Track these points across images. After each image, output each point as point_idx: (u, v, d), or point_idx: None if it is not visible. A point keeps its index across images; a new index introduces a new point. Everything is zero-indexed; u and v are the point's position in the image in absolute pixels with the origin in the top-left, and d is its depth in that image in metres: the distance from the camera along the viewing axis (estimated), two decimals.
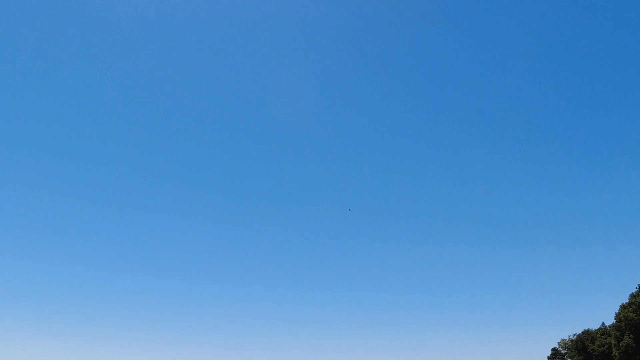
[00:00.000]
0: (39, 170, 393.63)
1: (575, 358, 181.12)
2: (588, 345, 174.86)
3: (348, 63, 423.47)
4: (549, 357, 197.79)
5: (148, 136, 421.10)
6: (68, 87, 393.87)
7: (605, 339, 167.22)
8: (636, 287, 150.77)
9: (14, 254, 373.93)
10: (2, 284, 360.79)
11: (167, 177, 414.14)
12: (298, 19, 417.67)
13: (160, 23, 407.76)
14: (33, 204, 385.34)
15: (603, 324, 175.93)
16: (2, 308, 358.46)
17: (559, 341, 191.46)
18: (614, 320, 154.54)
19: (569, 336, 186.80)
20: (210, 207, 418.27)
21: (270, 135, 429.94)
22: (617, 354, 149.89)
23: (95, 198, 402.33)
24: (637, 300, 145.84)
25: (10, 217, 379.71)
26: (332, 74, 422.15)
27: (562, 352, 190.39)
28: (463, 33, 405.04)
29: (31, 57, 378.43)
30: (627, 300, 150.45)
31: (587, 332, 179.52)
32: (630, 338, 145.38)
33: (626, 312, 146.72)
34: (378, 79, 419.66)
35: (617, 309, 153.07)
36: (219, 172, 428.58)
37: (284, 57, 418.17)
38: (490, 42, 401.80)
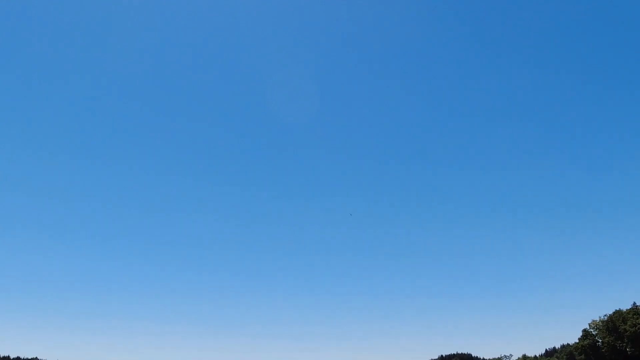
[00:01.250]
0: (53, 169, 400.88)
1: (606, 339, 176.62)
2: (619, 326, 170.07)
3: (350, 60, 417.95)
4: (580, 339, 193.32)
5: (159, 136, 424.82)
6: (76, 90, 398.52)
7: (637, 319, 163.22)
8: None
9: (36, 252, 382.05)
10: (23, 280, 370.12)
11: (177, 174, 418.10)
12: (300, 20, 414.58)
13: (165, 25, 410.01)
14: (48, 202, 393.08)
15: (634, 303, 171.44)
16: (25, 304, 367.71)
17: (590, 322, 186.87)
18: None
19: (600, 317, 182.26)
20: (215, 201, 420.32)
21: (274, 132, 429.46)
22: None
23: (112, 195, 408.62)
24: None
25: (29, 216, 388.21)
26: (335, 67, 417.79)
27: (593, 333, 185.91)
28: (464, 31, 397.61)
29: (33, 58, 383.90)
30: None
31: (618, 313, 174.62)
32: None
33: None
34: (382, 72, 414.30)
35: None
36: (224, 168, 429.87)
37: (286, 56, 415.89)
38: (496, 37, 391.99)
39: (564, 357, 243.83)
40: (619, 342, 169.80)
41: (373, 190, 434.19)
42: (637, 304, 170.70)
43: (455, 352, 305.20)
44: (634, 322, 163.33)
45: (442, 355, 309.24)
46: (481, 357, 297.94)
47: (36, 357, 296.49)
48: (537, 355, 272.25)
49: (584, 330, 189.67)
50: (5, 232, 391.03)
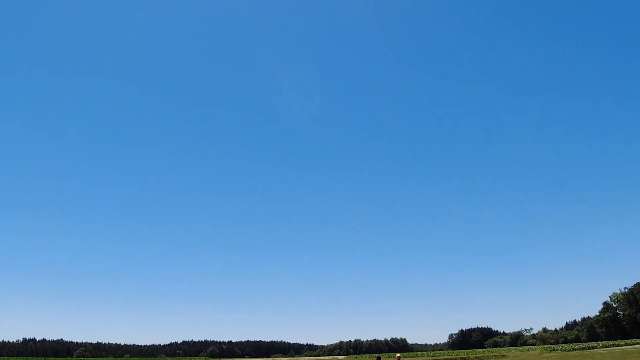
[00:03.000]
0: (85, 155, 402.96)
1: (627, 311, 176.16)
2: None
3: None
4: (600, 311, 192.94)
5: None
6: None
7: None
8: None
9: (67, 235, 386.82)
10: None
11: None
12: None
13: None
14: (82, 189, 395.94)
15: None
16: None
17: (611, 295, 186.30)
18: None
19: (621, 290, 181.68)
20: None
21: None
22: None
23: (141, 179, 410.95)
24: None
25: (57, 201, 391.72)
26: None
27: (614, 305, 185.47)
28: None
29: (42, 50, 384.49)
30: None
31: (639, 285, 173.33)
32: None
33: None
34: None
35: None
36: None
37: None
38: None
39: (585, 329, 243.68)
40: None
41: (388, 168, 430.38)
42: None
43: (475, 327, 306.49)
44: None
45: (462, 330, 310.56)
46: (501, 331, 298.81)
47: (61, 339, 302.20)
48: (558, 329, 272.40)
49: (605, 303, 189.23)
50: (27, 217, 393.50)
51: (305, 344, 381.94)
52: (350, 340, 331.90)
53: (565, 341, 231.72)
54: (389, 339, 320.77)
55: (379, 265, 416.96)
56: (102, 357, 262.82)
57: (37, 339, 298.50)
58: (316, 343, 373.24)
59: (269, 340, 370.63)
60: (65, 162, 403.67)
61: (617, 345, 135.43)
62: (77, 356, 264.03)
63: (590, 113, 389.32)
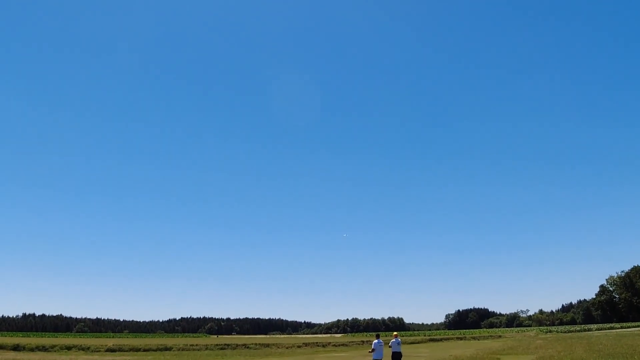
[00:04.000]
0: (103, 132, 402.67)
1: (623, 294, 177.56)
2: (636, 282, 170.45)
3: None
4: (597, 294, 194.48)
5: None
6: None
7: None
8: None
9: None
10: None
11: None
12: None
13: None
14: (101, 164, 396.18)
15: None
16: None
17: (607, 278, 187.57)
18: None
19: (617, 273, 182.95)
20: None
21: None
22: None
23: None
24: None
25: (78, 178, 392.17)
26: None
27: (610, 289, 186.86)
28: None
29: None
30: None
31: (636, 269, 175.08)
32: None
33: None
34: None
35: None
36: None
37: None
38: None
39: (581, 312, 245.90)
40: (636, 297, 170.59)
41: (387, 149, 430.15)
42: None
43: (472, 307, 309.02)
44: None
45: (459, 310, 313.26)
46: (498, 312, 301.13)
47: (61, 314, 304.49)
48: (554, 311, 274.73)
49: (601, 286, 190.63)
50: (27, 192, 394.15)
51: (302, 322, 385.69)
52: (347, 319, 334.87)
53: (561, 323, 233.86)
54: (386, 318, 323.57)
55: (377, 245, 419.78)
56: (101, 332, 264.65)
57: (37, 314, 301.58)
58: (314, 321, 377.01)
59: (266, 318, 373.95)
60: (64, 135, 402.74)
61: (612, 328, 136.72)
62: (77, 331, 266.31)
63: (591, 96, 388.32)
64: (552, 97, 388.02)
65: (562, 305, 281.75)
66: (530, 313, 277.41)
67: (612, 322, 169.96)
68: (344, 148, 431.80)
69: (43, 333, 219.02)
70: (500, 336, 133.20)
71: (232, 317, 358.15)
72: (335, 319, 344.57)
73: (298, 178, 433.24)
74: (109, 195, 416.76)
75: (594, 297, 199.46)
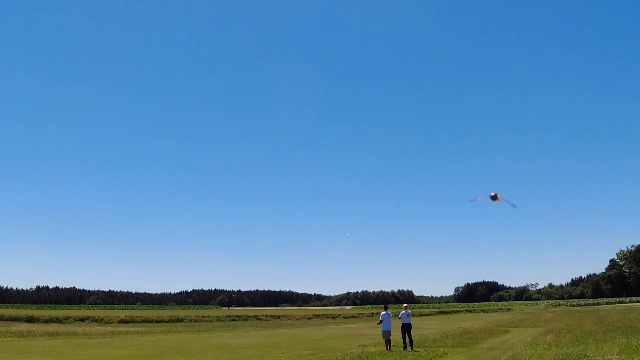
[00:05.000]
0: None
1: (633, 269, 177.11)
2: None
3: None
4: (606, 269, 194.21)
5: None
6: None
7: None
8: None
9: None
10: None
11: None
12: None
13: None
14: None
15: None
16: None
17: (618, 252, 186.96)
18: None
19: (628, 247, 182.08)
20: None
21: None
22: None
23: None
24: None
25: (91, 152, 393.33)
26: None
27: (620, 263, 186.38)
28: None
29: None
30: None
31: None
32: None
33: None
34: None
35: None
36: None
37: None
38: None
39: (590, 286, 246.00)
40: None
41: (395, 119, 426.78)
42: None
43: (481, 281, 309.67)
44: None
45: (468, 283, 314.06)
46: (507, 286, 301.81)
47: (74, 287, 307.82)
48: (563, 284, 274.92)
49: (611, 260, 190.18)
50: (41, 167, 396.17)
51: (313, 294, 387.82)
52: (357, 291, 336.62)
53: (570, 297, 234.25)
54: (395, 290, 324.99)
55: (387, 218, 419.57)
56: (113, 304, 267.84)
57: (50, 287, 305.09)
58: (324, 294, 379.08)
59: (277, 290, 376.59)
60: (70, 110, 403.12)
61: (621, 302, 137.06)
62: (90, 304, 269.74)
63: (605, 66, 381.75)
64: (567, 67, 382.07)
65: (572, 279, 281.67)
66: (540, 287, 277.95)
67: (621, 297, 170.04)
68: (355, 116, 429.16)
69: (56, 305, 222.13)
70: (509, 309, 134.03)
71: (243, 290, 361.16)
72: (345, 292, 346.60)
73: (309, 149, 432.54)
74: (121, 169, 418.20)
75: (604, 271, 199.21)
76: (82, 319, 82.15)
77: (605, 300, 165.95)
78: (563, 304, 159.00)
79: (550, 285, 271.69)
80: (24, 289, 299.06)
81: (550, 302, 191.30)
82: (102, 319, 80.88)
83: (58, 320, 79.61)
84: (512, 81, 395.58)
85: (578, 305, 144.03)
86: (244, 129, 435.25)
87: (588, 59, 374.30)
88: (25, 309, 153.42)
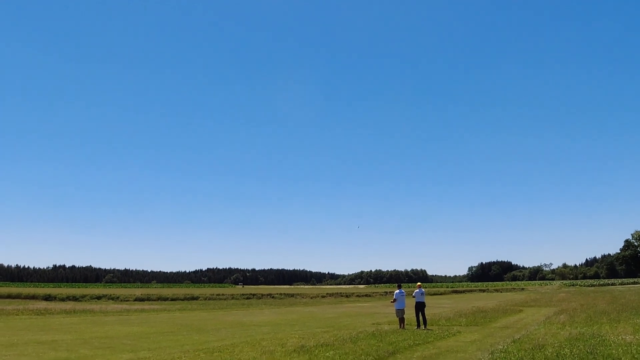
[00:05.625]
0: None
1: None
2: None
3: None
4: (621, 249, 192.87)
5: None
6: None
7: None
8: None
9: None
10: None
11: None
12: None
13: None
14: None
15: None
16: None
17: (633, 233, 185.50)
18: None
19: None
20: None
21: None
22: None
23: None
24: None
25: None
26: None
27: (635, 243, 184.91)
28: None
29: None
30: None
31: None
32: None
33: None
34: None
35: None
36: None
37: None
38: None
39: (604, 266, 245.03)
40: None
41: (407, 95, 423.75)
42: None
43: (495, 260, 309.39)
44: None
45: (482, 263, 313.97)
46: (521, 266, 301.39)
47: (90, 265, 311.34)
48: (578, 265, 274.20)
49: (626, 241, 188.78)
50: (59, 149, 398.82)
51: (326, 273, 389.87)
52: (371, 270, 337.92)
53: (585, 277, 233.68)
54: (409, 269, 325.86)
55: (401, 197, 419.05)
56: (129, 283, 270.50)
57: (67, 265, 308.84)
58: (338, 272, 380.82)
59: (291, 269, 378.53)
60: (88, 89, 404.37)
61: (636, 283, 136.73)
62: (106, 282, 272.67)
63: (631, 40, 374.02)
64: (587, 43, 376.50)
65: (586, 259, 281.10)
66: (554, 267, 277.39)
67: (636, 277, 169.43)
68: (367, 98, 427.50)
69: (73, 284, 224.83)
70: (523, 289, 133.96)
71: (257, 268, 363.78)
72: (358, 271, 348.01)
73: (323, 128, 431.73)
74: (137, 149, 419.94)
75: (619, 251, 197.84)
76: (99, 297, 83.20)
77: (619, 280, 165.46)
78: (577, 284, 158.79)
79: (565, 266, 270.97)
80: (42, 267, 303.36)
81: (564, 282, 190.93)
82: (118, 297, 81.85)
83: (75, 299, 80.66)
84: (527, 56, 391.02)
85: (592, 285, 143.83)
86: (258, 108, 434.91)
87: (611, 34, 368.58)
88: (43, 287, 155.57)
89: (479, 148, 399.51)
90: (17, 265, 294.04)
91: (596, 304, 43.26)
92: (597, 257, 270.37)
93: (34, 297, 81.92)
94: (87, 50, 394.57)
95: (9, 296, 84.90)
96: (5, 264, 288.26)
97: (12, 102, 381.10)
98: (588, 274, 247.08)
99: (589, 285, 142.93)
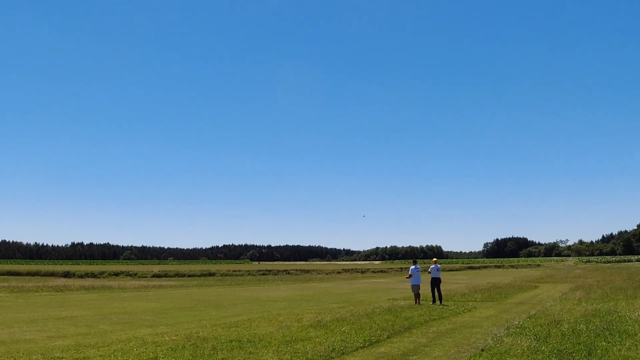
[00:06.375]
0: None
1: None
2: None
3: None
4: (638, 225, 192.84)
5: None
6: None
7: None
8: None
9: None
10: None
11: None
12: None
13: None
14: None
15: None
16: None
17: None
18: None
19: None
20: None
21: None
22: None
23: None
24: None
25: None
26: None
27: None
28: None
29: None
30: None
31: None
32: None
33: None
34: None
35: None
36: None
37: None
38: None
39: (621, 243, 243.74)
40: None
41: (425, 71, 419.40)
42: None
43: (511, 236, 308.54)
44: None
45: (497, 239, 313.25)
46: (537, 242, 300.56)
47: (108, 243, 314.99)
48: (594, 241, 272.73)
49: None
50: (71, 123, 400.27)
51: (342, 249, 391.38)
52: (386, 247, 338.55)
53: (601, 254, 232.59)
54: (424, 245, 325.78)
55: (416, 173, 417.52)
56: (146, 259, 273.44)
57: (85, 243, 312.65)
58: (353, 249, 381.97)
59: (306, 245, 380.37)
60: (104, 66, 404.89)
61: None
62: (123, 259, 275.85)
63: None
64: (610, 19, 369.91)
65: (603, 235, 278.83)
66: (570, 243, 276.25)
67: None
68: (384, 70, 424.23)
69: (91, 261, 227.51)
70: (538, 265, 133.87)
71: (273, 245, 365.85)
72: (374, 247, 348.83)
73: (337, 104, 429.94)
74: (153, 126, 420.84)
75: (635, 228, 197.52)
76: (117, 274, 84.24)
77: (636, 257, 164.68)
78: (593, 261, 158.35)
79: (581, 242, 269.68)
80: (60, 245, 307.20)
81: (580, 258, 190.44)
82: (135, 274, 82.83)
83: (93, 275, 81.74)
84: (547, 32, 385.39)
85: (608, 262, 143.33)
86: (276, 84, 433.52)
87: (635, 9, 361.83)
88: (62, 264, 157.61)
89: (495, 123, 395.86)
90: (36, 243, 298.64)
91: (612, 281, 43.16)
92: (614, 234, 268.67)
93: (53, 275, 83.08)
94: (106, 29, 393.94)
95: (29, 273, 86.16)
96: (25, 242, 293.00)
97: (31, 79, 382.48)
98: (604, 250, 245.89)
99: (605, 262, 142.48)
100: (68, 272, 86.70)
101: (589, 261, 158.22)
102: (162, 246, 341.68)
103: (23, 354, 11.83)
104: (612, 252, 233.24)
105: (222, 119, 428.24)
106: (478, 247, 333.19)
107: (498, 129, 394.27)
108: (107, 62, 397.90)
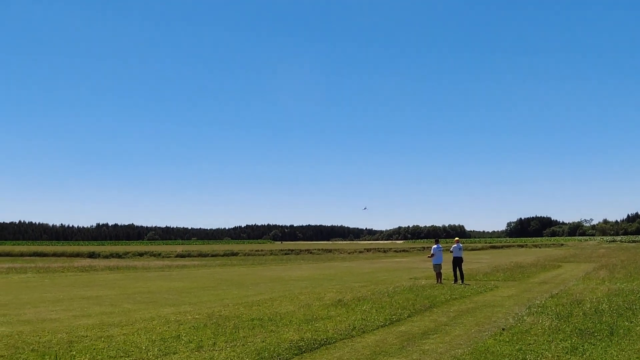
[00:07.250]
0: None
1: None
2: None
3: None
4: None
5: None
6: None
7: None
8: None
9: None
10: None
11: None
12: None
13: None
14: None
15: None
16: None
17: None
18: None
19: None
20: None
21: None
22: None
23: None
24: None
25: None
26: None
27: None
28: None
29: None
30: None
31: None
32: None
33: None
34: None
35: None
36: None
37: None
38: None
39: None
40: None
41: (443, 43, 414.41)
42: None
43: (534, 216, 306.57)
44: None
45: (520, 218, 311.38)
46: (561, 221, 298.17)
47: (132, 224, 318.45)
48: (619, 220, 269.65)
49: None
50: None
51: (364, 228, 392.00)
52: (408, 226, 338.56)
53: (626, 233, 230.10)
54: (447, 225, 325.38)
55: (439, 152, 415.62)
56: (170, 240, 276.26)
57: (110, 224, 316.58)
58: (375, 228, 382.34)
59: (329, 225, 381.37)
60: (127, 47, 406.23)
61: None
62: (148, 239, 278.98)
63: None
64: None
65: (628, 215, 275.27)
66: (594, 222, 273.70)
67: None
68: (400, 45, 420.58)
69: (116, 241, 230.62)
70: (562, 244, 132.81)
71: (295, 224, 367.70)
72: (396, 226, 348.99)
73: (362, 77, 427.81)
74: (174, 106, 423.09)
75: None
76: (141, 254, 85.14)
77: None
78: (618, 240, 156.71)
79: (605, 221, 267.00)
80: (85, 226, 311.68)
81: (605, 237, 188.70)
82: (159, 254, 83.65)
83: (118, 256, 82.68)
84: (569, 6, 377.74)
85: (633, 241, 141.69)
86: (297, 65, 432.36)
87: None
88: (87, 245, 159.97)
89: (519, 100, 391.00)
90: (61, 224, 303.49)
91: (637, 260, 42.74)
92: (639, 213, 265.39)
93: (78, 255, 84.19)
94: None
95: (55, 254, 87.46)
96: (51, 224, 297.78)
97: (51, 58, 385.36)
98: (629, 230, 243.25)
99: (630, 242, 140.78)
100: (93, 252, 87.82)
101: (613, 240, 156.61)
102: (185, 227, 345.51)
103: (48, 332, 12.06)
104: (637, 232, 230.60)
105: (246, 99, 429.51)
106: (501, 227, 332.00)
107: (522, 106, 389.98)
108: (127, 41, 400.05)
